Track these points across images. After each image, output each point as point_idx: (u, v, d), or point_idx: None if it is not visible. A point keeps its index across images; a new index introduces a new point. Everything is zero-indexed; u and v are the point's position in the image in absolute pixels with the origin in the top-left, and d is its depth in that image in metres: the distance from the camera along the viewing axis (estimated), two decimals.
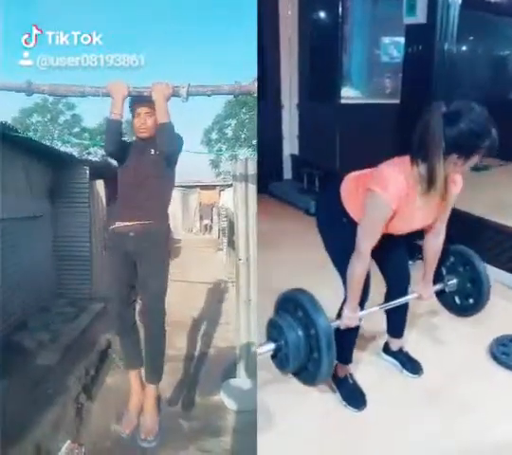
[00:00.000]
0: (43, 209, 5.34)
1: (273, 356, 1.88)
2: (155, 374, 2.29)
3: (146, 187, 2.13)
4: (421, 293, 2.23)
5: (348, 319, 2.01)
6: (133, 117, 2.20)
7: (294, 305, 1.84)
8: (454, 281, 2.31)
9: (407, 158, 1.81)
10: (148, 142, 2.17)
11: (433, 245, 2.13)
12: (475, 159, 1.71)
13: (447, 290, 2.33)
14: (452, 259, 2.32)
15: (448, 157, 1.70)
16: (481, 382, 2.30)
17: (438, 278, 2.32)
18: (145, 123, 2.16)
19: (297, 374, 1.90)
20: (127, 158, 2.18)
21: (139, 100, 2.16)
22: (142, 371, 2.31)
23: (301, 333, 1.79)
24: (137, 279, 2.20)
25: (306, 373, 1.85)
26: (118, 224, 2.16)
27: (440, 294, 2.38)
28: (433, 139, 1.67)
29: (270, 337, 1.88)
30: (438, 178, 1.74)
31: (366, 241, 1.88)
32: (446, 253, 2.27)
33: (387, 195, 1.76)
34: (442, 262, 2.28)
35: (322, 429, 2.09)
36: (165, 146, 2.09)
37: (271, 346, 1.85)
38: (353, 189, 1.98)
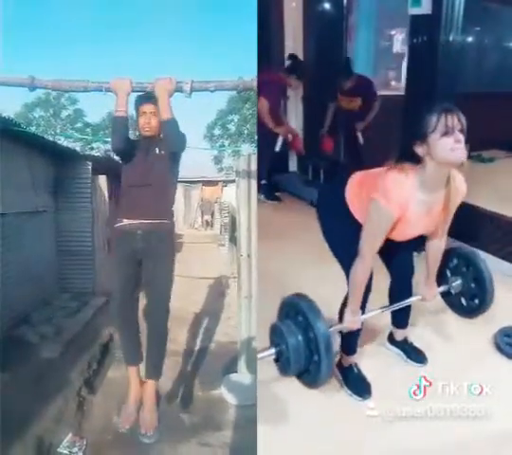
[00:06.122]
0: (45, 204, 5.36)
1: (276, 360, 1.95)
2: (155, 371, 2.31)
3: (152, 186, 2.15)
4: (424, 295, 2.26)
5: (349, 323, 2.06)
6: (137, 115, 2.21)
7: (295, 311, 1.90)
8: (458, 282, 2.35)
9: (411, 165, 1.82)
10: (153, 141, 2.18)
11: (436, 248, 2.16)
12: (451, 140, 1.71)
13: (452, 292, 2.38)
14: (455, 260, 2.36)
15: (425, 144, 1.75)
16: (485, 372, 2.31)
17: (442, 279, 2.36)
18: (150, 122, 2.18)
19: (299, 377, 1.97)
20: (132, 157, 2.18)
21: (145, 99, 2.17)
22: (141, 366, 2.33)
23: (300, 337, 1.86)
24: (144, 276, 2.22)
25: (308, 376, 1.91)
26: (125, 221, 2.16)
27: (445, 296, 2.43)
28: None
29: (272, 342, 1.95)
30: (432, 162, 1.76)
31: (369, 247, 1.91)
32: (449, 255, 2.30)
33: (389, 206, 1.78)
34: (445, 263, 2.31)
35: (327, 418, 2.11)
36: (170, 144, 2.11)
37: (272, 351, 1.93)
38: (357, 191, 2.00)
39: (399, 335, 2.46)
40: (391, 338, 2.51)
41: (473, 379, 2.22)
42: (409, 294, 2.32)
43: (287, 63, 4.37)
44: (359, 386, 2.23)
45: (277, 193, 4.62)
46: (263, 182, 4.25)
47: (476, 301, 2.36)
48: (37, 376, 3.34)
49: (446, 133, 1.72)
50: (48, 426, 2.74)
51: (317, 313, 1.85)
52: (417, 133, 1.76)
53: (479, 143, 4.84)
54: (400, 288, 2.30)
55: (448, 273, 2.40)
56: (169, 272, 2.27)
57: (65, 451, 2.50)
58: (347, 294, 2.07)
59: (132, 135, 2.29)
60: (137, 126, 2.23)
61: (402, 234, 1.94)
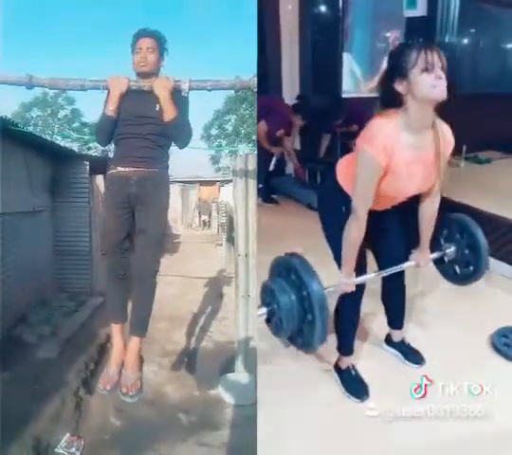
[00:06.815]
0: (43, 204, 5.35)
1: (268, 321, 1.84)
2: (140, 327, 2.17)
3: (149, 138, 2.09)
4: (418, 260, 2.19)
5: (344, 286, 1.98)
6: (133, 54, 2.10)
7: (287, 269, 1.79)
8: (452, 249, 2.27)
9: (394, 110, 1.79)
10: (151, 96, 2.05)
11: (429, 210, 2.10)
12: (431, 77, 1.68)
13: (445, 259, 2.30)
14: (449, 227, 2.29)
15: (406, 81, 1.72)
16: (483, 373, 2.30)
17: (436, 247, 2.28)
18: (146, 58, 2.07)
19: (293, 340, 1.84)
20: (128, 108, 2.08)
21: (142, 33, 2.08)
22: (126, 326, 2.18)
23: (293, 296, 1.74)
24: (137, 224, 2.12)
25: (302, 337, 1.79)
26: (119, 168, 2.10)
27: (438, 263, 2.35)
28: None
29: (264, 302, 1.84)
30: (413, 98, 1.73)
31: (361, 202, 1.85)
32: (442, 221, 2.23)
33: (374, 151, 1.74)
34: (439, 230, 2.24)
35: (325, 420, 2.10)
36: (178, 142, 2.11)
37: (263, 310, 1.81)
38: (345, 170, 1.97)
39: (396, 336, 2.46)
40: (388, 340, 2.49)
41: (472, 380, 2.22)
42: (401, 293, 2.32)
43: (295, 101, 4.39)
44: (357, 388, 2.22)
45: (274, 196, 4.63)
46: (260, 186, 4.29)
47: (471, 268, 2.27)
48: (34, 376, 3.33)
49: (426, 69, 1.69)
50: (46, 426, 2.74)
51: (311, 271, 1.73)
52: (397, 69, 1.73)
53: (475, 144, 4.86)
54: (388, 281, 2.26)
55: (442, 240, 2.31)
56: (162, 220, 2.21)
57: (63, 451, 2.51)
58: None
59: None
60: (133, 64, 2.10)
61: (394, 187, 1.86)
